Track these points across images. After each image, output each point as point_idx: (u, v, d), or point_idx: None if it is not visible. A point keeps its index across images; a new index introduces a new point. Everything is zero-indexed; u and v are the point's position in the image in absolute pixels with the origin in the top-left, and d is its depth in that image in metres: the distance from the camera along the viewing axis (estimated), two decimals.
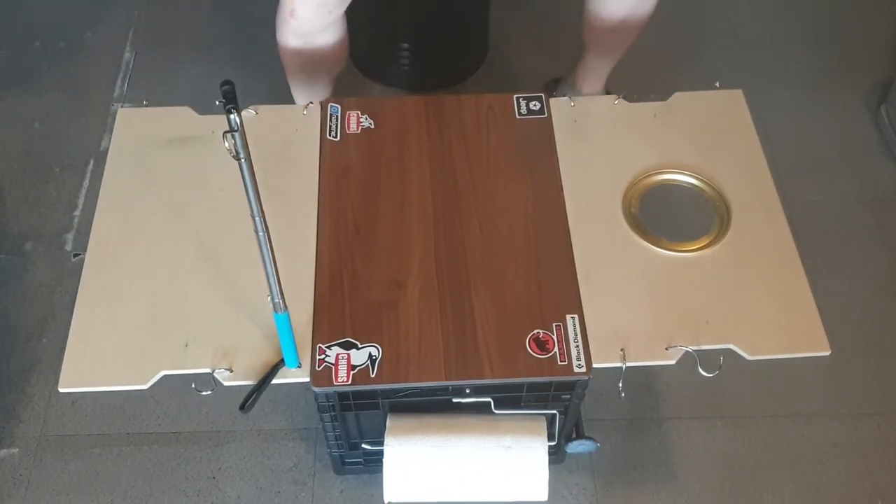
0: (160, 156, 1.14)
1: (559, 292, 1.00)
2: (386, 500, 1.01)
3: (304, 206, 1.08)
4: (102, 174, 1.12)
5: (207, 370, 0.94)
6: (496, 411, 0.99)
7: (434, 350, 0.95)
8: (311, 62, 1.34)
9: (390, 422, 1.00)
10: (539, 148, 1.13)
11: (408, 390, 0.96)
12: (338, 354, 0.95)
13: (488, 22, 1.76)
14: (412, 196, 1.08)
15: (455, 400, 0.99)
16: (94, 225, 1.07)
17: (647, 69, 1.76)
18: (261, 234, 0.82)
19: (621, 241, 1.06)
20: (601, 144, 1.15)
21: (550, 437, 1.01)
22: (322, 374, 0.93)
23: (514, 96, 1.19)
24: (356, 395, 0.96)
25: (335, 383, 0.93)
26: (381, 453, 0.99)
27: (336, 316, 0.98)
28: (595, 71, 1.52)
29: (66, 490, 1.25)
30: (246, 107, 1.17)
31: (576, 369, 0.93)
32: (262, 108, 1.18)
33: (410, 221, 1.06)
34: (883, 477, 1.26)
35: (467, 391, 0.97)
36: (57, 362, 0.97)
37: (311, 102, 1.19)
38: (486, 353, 0.95)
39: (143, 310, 0.99)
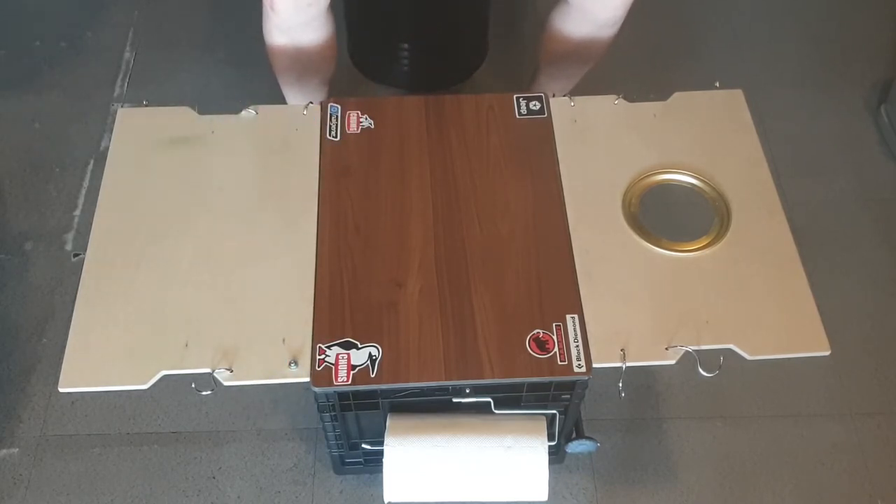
0: (160, 156, 1.14)
1: (559, 292, 1.00)
2: (386, 500, 1.01)
3: (304, 206, 1.08)
4: (102, 174, 1.12)
5: (207, 370, 0.94)
6: (496, 411, 0.99)
7: (434, 350, 0.95)
8: (299, 62, 1.34)
9: (390, 422, 1.00)
10: (539, 148, 1.13)
11: (408, 390, 0.96)
12: (338, 354, 0.95)
13: (488, 22, 1.76)
14: (412, 196, 1.08)
15: (455, 400, 0.99)
16: (94, 225, 1.07)
17: (647, 69, 1.77)
18: None
19: (621, 241, 1.06)
20: (601, 144, 1.15)
21: (550, 437, 1.01)
22: (322, 374, 0.93)
23: (514, 96, 1.19)
24: (356, 395, 0.96)
25: (335, 383, 0.93)
26: (381, 453, 0.99)
27: (336, 316, 0.98)
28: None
29: (66, 490, 1.25)
30: (246, 107, 1.18)
31: (576, 369, 0.93)
32: (263, 107, 1.18)
33: (410, 221, 1.06)
34: (883, 477, 1.26)
35: (467, 391, 0.97)
36: (57, 362, 0.97)
37: (311, 102, 1.19)
38: (486, 352, 0.95)
39: (143, 310, 0.99)
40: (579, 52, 1.38)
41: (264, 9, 1.24)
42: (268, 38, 1.31)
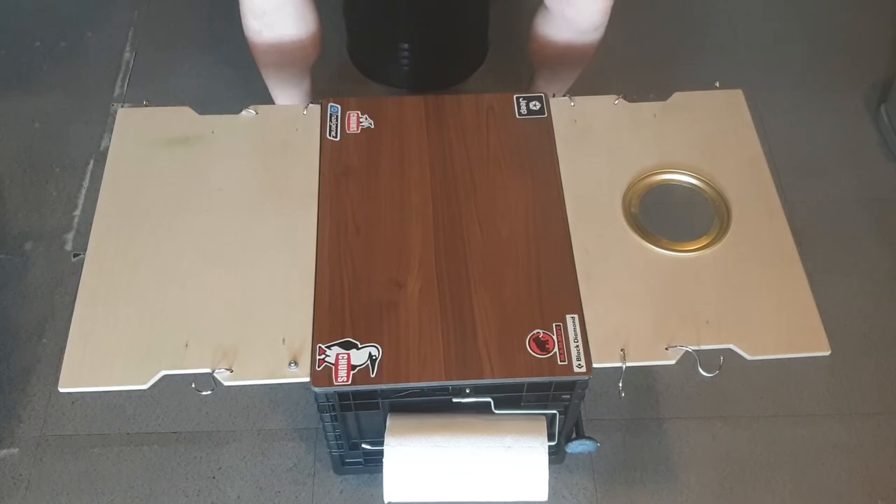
0: (160, 156, 1.14)
1: (559, 292, 1.00)
2: (386, 500, 1.01)
3: (304, 206, 1.08)
4: (102, 174, 1.12)
5: (207, 370, 0.94)
6: (496, 411, 0.99)
7: (434, 350, 0.95)
8: (278, 49, 1.34)
9: (390, 422, 1.00)
10: (539, 148, 1.13)
11: (408, 390, 0.96)
12: (338, 354, 0.95)
13: (488, 22, 1.76)
14: (412, 196, 1.08)
15: (455, 400, 0.99)
16: (94, 225, 1.07)
17: (647, 69, 1.77)
18: None
19: (621, 241, 1.06)
20: (601, 144, 1.15)
21: (550, 437, 1.01)
22: (322, 374, 0.93)
23: (514, 96, 1.19)
24: (356, 395, 0.96)
25: (335, 383, 0.93)
26: (381, 453, 0.99)
27: (336, 316, 0.98)
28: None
29: (66, 490, 1.25)
30: (246, 107, 1.18)
31: (576, 369, 0.93)
32: (262, 107, 1.19)
33: (410, 221, 1.06)
34: (883, 477, 1.26)
35: (467, 391, 0.97)
36: (57, 362, 0.97)
37: (312, 102, 1.19)
38: (486, 352, 0.95)
39: (143, 310, 0.99)
40: (566, 55, 1.38)
41: None
42: (244, 26, 1.32)
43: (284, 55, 1.35)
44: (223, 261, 1.03)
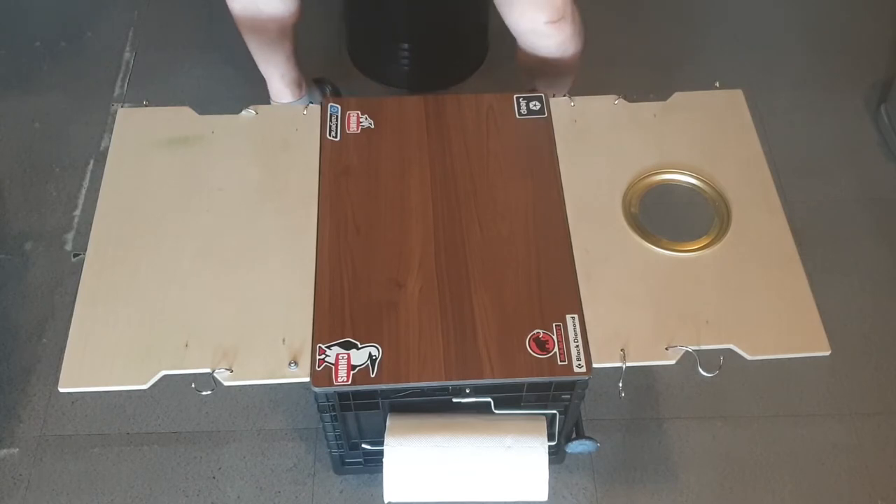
0: (160, 156, 1.14)
1: (559, 292, 1.00)
2: (386, 500, 1.01)
3: (304, 206, 1.08)
4: (102, 174, 1.12)
5: (207, 370, 0.94)
6: (496, 411, 0.99)
7: (434, 350, 0.95)
8: (254, 10, 1.33)
9: (390, 422, 1.00)
10: (539, 148, 1.13)
11: (408, 390, 0.96)
12: (338, 354, 0.95)
13: (488, 22, 1.76)
14: (412, 196, 1.08)
15: (455, 400, 0.99)
16: (94, 225, 1.07)
17: (647, 69, 1.77)
18: None
19: (621, 241, 1.06)
20: (601, 144, 1.15)
21: (550, 437, 1.01)
22: (322, 374, 0.93)
23: (514, 96, 1.19)
24: (356, 395, 0.96)
25: (335, 383, 0.93)
26: (381, 453, 0.99)
27: (336, 316, 0.98)
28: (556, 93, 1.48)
29: (66, 490, 1.25)
30: (246, 107, 1.18)
31: (576, 369, 0.93)
32: (262, 107, 1.19)
33: (410, 221, 1.06)
34: (883, 477, 1.26)
35: (467, 391, 0.97)
36: (57, 362, 0.97)
37: (312, 103, 1.19)
38: (486, 352, 0.95)
39: (143, 310, 0.99)
40: (548, 67, 1.38)
41: None
42: None
43: (263, 16, 1.34)
44: (223, 261, 1.03)
